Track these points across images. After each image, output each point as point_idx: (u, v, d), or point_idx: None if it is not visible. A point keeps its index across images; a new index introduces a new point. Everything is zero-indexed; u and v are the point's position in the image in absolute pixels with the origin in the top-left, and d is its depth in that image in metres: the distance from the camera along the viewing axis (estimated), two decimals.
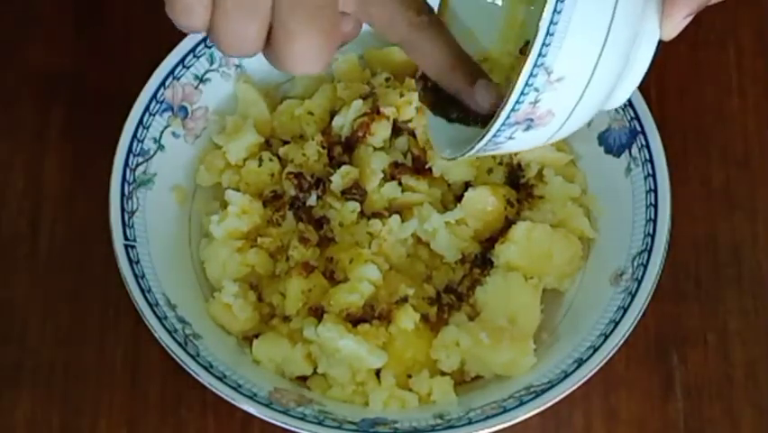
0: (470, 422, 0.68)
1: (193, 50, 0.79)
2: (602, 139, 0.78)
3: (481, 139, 0.53)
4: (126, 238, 0.73)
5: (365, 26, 0.82)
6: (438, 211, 0.75)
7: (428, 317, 0.73)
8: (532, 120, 0.52)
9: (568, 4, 0.48)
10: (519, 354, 0.71)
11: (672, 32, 0.56)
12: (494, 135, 0.53)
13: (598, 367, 0.69)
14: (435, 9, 0.59)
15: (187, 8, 0.53)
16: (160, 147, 0.78)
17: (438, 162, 0.77)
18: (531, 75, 0.50)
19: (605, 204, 0.77)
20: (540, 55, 0.49)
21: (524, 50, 0.60)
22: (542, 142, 0.55)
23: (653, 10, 0.54)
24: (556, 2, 0.48)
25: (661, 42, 0.56)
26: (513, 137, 0.53)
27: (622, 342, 0.69)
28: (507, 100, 0.51)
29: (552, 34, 0.49)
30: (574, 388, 0.68)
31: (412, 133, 0.78)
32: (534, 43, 0.49)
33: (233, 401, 0.68)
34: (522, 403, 0.68)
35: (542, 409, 0.68)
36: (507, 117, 0.52)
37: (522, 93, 0.50)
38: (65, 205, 0.82)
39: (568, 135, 0.56)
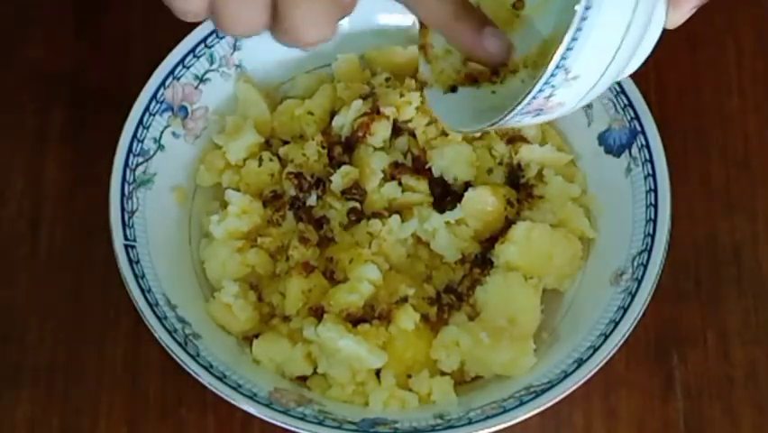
0: (470, 422, 0.68)
1: (193, 50, 0.79)
2: (602, 139, 0.78)
3: (492, 124, 0.56)
4: (126, 238, 0.73)
5: (365, 26, 0.82)
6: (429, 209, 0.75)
7: (428, 317, 0.73)
8: (542, 110, 0.55)
9: (594, 11, 0.50)
10: (519, 354, 0.71)
11: (678, 20, 0.57)
12: (505, 122, 0.55)
13: (598, 367, 0.69)
14: None
15: None
16: (160, 147, 0.78)
17: (438, 163, 0.77)
18: (551, 75, 0.52)
19: (605, 204, 0.77)
20: (562, 58, 0.51)
21: None
22: (543, 122, 0.58)
23: (662, 1, 0.55)
24: (584, 8, 0.50)
25: (660, 40, 0.56)
26: (520, 122, 0.56)
27: (622, 342, 0.69)
28: (525, 96, 0.53)
29: (576, 39, 0.51)
30: (574, 388, 0.68)
31: (412, 133, 0.78)
32: (558, 47, 0.51)
33: (233, 401, 0.68)
34: (522, 403, 0.68)
35: (542, 409, 0.68)
36: (522, 109, 0.54)
37: (540, 90, 0.53)
38: (65, 205, 0.82)
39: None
